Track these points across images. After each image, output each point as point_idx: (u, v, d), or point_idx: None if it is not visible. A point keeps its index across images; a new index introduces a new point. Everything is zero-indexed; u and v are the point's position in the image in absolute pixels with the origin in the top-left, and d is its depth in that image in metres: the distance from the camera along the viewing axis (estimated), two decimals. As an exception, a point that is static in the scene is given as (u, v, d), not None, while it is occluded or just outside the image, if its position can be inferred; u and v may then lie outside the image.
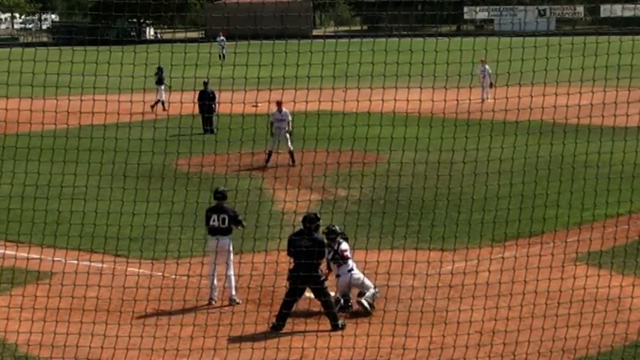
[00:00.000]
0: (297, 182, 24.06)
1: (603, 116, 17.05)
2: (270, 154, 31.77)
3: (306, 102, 16.28)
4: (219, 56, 66.76)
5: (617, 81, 17.37)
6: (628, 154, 17.72)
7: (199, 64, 17.57)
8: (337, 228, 17.56)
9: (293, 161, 31.32)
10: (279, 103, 31.20)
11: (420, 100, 16.63)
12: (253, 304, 17.72)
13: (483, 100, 44.93)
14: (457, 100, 16.96)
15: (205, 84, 37.02)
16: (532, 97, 16.92)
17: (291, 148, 31.53)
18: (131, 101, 17.15)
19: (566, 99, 17.27)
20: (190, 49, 18.17)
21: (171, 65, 16.48)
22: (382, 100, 16.28)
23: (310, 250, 16.44)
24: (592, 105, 16.93)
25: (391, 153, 18.06)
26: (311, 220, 16.95)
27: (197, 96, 35.69)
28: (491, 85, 46.58)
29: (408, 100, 16.41)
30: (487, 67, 46.98)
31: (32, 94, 17.08)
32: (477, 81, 45.86)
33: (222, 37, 73.33)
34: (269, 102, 16.12)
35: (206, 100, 36.23)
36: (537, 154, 17.67)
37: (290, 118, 31.64)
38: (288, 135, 31.69)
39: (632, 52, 18.13)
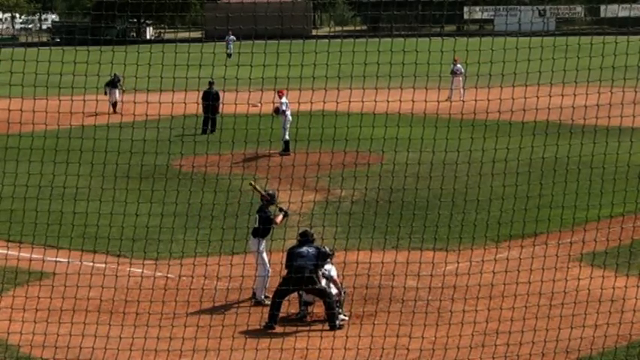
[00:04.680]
0: (301, 183, 24.04)
1: (609, 117, 17.01)
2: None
3: (311, 102, 16.24)
4: (228, 55, 67.60)
5: (624, 82, 17.35)
6: (634, 155, 17.69)
7: (202, 64, 17.53)
8: (327, 249, 17.56)
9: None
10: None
11: (425, 101, 16.60)
12: (257, 305, 17.71)
13: (449, 99, 43.75)
14: (462, 100, 16.88)
15: (210, 84, 37.00)
16: (538, 97, 16.89)
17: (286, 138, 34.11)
18: (134, 101, 17.13)
19: (571, 99, 17.24)
20: (193, 49, 18.13)
21: (175, 65, 16.40)
22: (387, 101, 16.25)
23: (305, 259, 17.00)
24: (598, 106, 16.90)
25: (395, 153, 18.03)
26: (303, 235, 17.59)
27: (201, 96, 35.89)
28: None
29: (413, 101, 16.38)
30: (459, 66, 46.90)
31: (34, 94, 17.04)
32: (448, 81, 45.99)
33: (232, 37, 74.32)
34: (273, 102, 16.05)
35: (210, 100, 36.23)
36: (542, 155, 17.64)
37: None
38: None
39: (639, 52, 18.09)
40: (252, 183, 19.37)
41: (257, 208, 18.64)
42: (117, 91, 45.26)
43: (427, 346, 15.09)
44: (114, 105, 44.99)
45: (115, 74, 41.48)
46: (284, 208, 18.66)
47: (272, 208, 18.59)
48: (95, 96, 17.16)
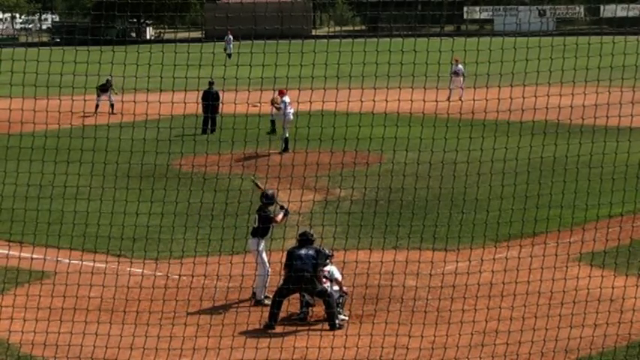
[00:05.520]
0: (301, 182, 24.09)
1: (607, 117, 17.06)
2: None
3: (310, 102, 16.29)
4: (228, 55, 67.71)
5: (622, 81, 17.38)
6: (632, 155, 17.73)
7: (202, 64, 17.58)
8: (326, 250, 17.58)
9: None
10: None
11: (424, 100, 16.64)
12: (257, 305, 17.74)
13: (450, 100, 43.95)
14: (461, 99, 16.90)
15: (210, 84, 37.03)
16: (536, 97, 16.93)
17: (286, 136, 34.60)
18: (134, 101, 17.16)
19: (570, 99, 17.28)
20: (193, 49, 18.18)
21: (175, 65, 16.44)
22: (386, 101, 16.28)
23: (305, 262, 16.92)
24: (596, 105, 16.94)
25: (394, 153, 18.07)
26: (303, 235, 17.52)
27: (201, 95, 35.94)
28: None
29: (411, 100, 16.42)
30: (460, 66, 46.92)
31: (35, 94, 17.10)
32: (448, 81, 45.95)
33: (230, 37, 74.52)
34: (272, 102, 16.09)
35: (210, 100, 36.26)
36: (541, 155, 17.69)
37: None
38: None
39: (637, 52, 18.14)
40: (254, 179, 19.45)
41: (257, 207, 18.68)
42: (108, 95, 44.79)
43: (426, 345, 15.11)
44: (112, 106, 44.61)
45: (107, 79, 41.22)
46: (284, 206, 18.69)
47: (271, 208, 18.62)
48: (95, 96, 17.18)
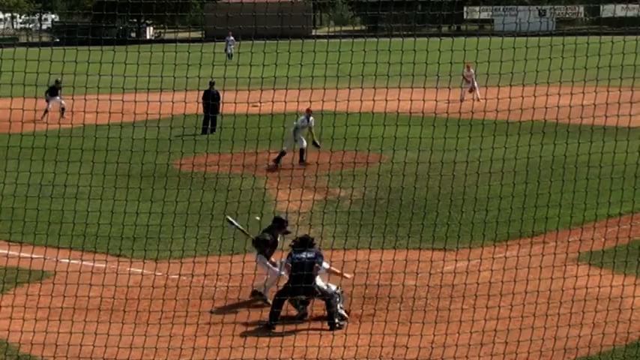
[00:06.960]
0: (300, 182, 24.12)
1: (606, 116, 17.10)
2: (283, 153, 31.86)
3: (310, 102, 16.31)
4: (228, 56, 67.67)
5: (621, 81, 17.41)
6: (630, 154, 17.76)
7: (202, 64, 17.61)
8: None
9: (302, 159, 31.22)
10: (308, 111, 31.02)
11: (423, 100, 16.67)
12: (257, 304, 17.77)
13: (471, 99, 43.66)
14: (461, 99, 16.92)
15: (211, 84, 37.07)
16: (535, 97, 16.97)
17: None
18: (135, 101, 17.18)
19: (569, 99, 17.31)
20: (193, 49, 18.22)
21: (175, 65, 16.48)
22: (385, 100, 16.31)
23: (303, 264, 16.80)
24: (595, 105, 16.97)
25: (394, 153, 18.09)
26: (303, 239, 17.33)
27: (202, 95, 35.98)
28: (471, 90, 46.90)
29: (411, 100, 16.45)
30: (472, 70, 47.23)
31: (36, 94, 17.15)
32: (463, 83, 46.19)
33: (231, 38, 74.65)
34: (272, 102, 16.12)
35: (210, 99, 36.32)
36: (540, 154, 17.72)
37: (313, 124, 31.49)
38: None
39: (636, 52, 18.17)
40: (229, 218, 19.12)
41: (267, 227, 18.57)
42: (58, 98, 42.65)
43: (426, 344, 15.13)
44: (62, 110, 42.28)
45: (56, 80, 39.30)
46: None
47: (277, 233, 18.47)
48: (96, 95, 17.22)
